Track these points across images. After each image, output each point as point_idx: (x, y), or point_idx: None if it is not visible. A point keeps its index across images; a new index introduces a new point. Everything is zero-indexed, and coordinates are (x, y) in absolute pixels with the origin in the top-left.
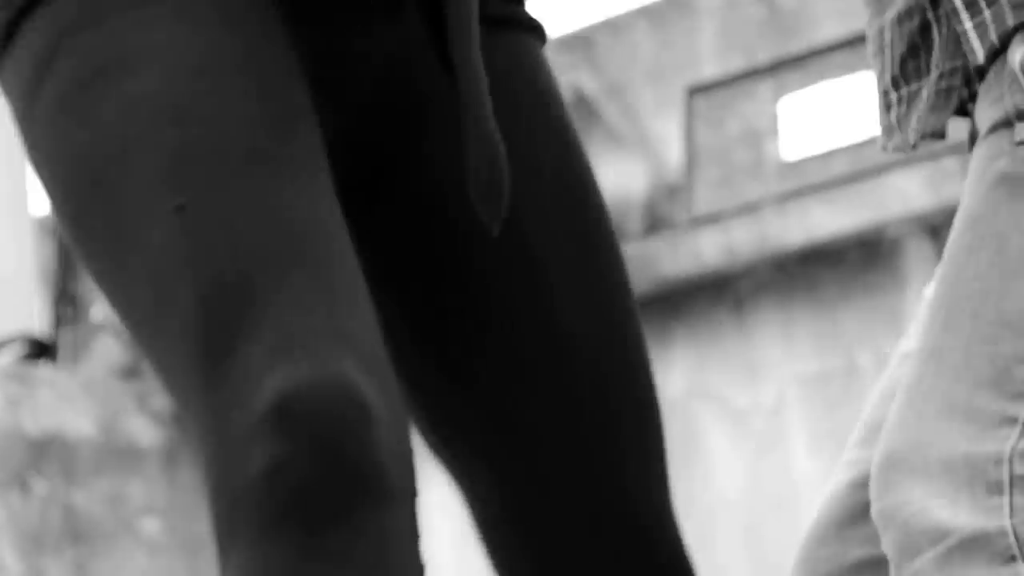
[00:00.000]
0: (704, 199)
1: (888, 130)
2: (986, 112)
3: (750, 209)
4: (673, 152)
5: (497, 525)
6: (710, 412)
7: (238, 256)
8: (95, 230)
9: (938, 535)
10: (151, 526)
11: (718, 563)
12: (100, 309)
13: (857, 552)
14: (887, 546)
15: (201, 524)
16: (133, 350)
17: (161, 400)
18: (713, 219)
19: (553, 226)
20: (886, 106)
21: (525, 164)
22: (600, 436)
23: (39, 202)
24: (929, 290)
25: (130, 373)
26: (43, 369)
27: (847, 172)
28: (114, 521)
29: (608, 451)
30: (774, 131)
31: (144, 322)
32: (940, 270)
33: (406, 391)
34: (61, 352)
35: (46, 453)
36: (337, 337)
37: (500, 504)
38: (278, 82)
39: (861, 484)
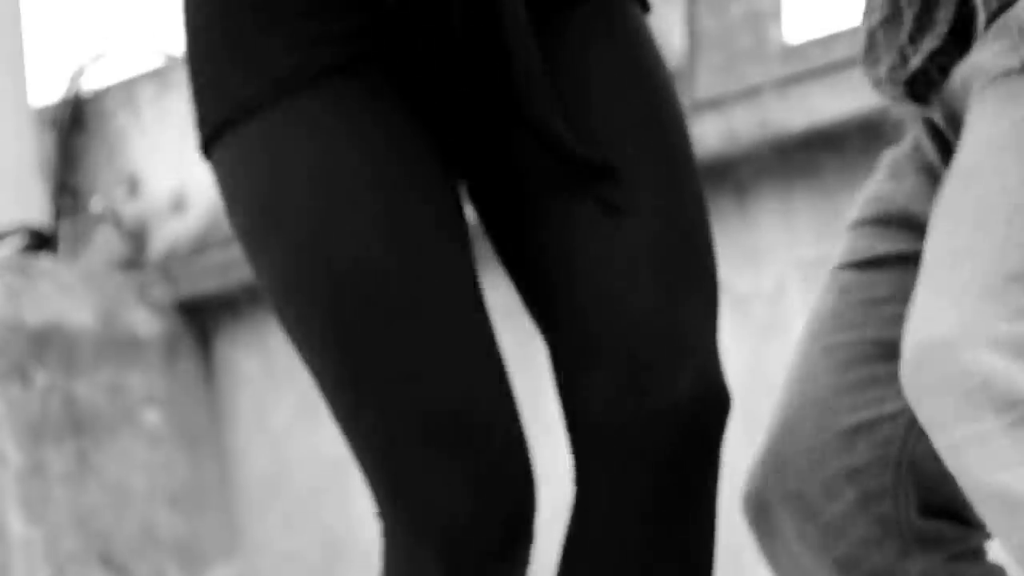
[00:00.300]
0: (706, 84)
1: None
2: (995, 59)
3: (752, 93)
4: (675, 37)
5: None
6: None
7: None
8: (291, 327)
9: (1006, 404)
10: (152, 417)
11: None
12: (100, 200)
13: (848, 419)
14: (932, 412)
15: (201, 415)
16: (132, 242)
17: (161, 291)
18: (715, 104)
19: (632, 144)
20: (903, 60)
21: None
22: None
23: (39, 93)
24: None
25: (130, 264)
26: (43, 260)
27: (850, 55)
28: (115, 412)
29: (656, 286)
30: (777, 14)
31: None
32: (950, 185)
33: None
34: (61, 243)
35: (46, 344)
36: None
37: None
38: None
39: (845, 364)
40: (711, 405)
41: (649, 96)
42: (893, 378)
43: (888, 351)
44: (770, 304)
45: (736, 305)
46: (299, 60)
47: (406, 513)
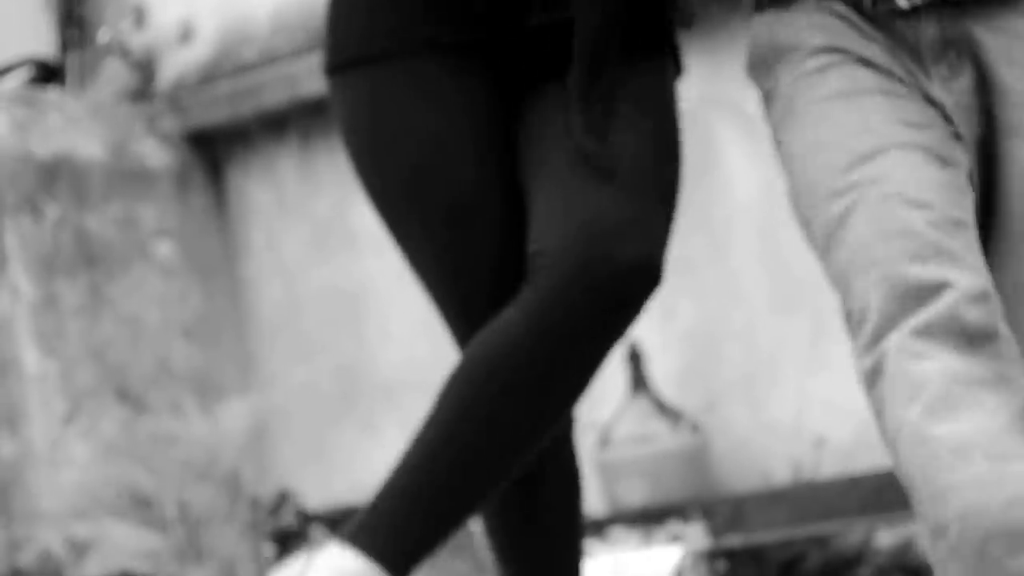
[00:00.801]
0: None
1: None
2: None
3: None
4: None
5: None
6: (725, 119)
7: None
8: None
9: None
10: (164, 248)
11: (733, 268)
12: (107, 31)
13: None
14: None
15: (213, 246)
16: (140, 73)
17: (171, 122)
18: None
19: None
20: None
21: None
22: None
23: None
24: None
25: (139, 96)
26: (51, 92)
27: None
28: (127, 244)
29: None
30: None
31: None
32: None
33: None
34: (68, 75)
35: (56, 177)
36: None
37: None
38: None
39: (923, 164)
40: (639, 271)
41: (658, 127)
42: (954, 184)
43: (942, 161)
44: None
45: (750, 126)
46: (427, 33)
47: None
